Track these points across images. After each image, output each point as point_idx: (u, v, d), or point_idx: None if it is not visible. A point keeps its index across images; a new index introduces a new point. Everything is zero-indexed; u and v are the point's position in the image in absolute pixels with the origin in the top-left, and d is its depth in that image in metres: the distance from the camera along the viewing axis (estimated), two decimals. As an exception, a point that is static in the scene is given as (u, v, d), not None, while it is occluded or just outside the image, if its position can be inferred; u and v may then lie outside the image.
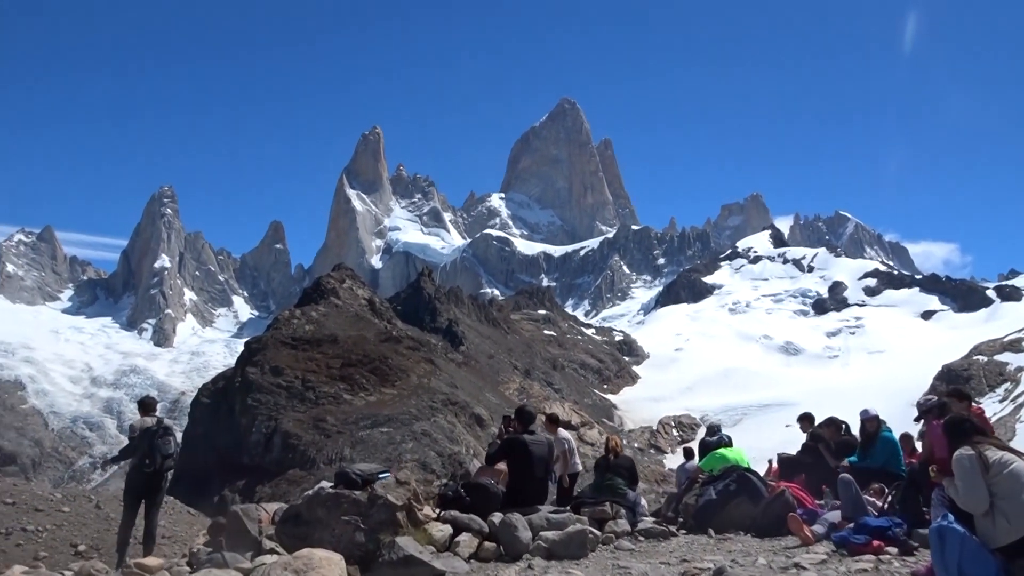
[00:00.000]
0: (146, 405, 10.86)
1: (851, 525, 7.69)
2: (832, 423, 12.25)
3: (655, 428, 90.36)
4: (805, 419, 13.78)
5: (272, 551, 7.16)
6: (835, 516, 8.27)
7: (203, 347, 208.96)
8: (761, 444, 79.65)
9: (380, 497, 7.13)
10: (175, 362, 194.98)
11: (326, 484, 8.26)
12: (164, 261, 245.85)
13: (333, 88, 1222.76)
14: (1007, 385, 68.08)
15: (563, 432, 11.68)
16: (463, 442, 44.64)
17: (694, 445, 16.18)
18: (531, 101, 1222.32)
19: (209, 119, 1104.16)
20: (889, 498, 8.60)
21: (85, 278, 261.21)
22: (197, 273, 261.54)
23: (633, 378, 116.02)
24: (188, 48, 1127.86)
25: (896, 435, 11.15)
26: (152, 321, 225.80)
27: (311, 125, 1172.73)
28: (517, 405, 10.38)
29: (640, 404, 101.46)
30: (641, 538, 8.71)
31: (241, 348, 55.73)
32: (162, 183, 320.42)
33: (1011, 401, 63.16)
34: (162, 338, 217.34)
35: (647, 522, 9.34)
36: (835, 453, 11.44)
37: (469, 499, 8.18)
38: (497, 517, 7.70)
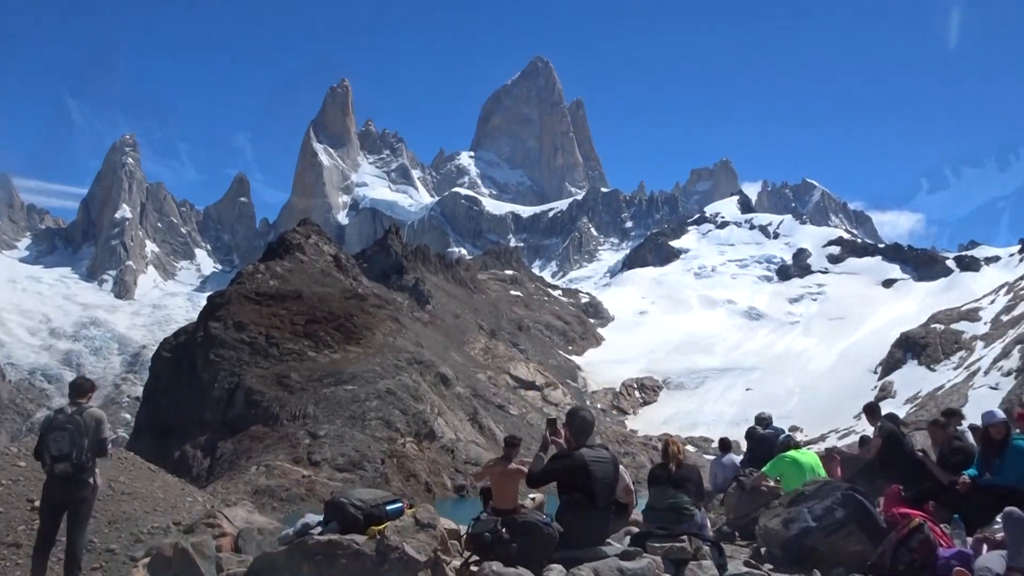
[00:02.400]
0: (74, 388, 8.35)
1: None
2: (941, 424, 9.73)
3: (618, 390, 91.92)
4: (870, 412, 11.04)
5: None
6: (995, 562, 6.01)
7: (165, 300, 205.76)
8: (722, 409, 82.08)
9: (395, 548, 5.38)
10: (136, 315, 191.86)
11: (312, 519, 6.16)
12: (125, 211, 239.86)
13: (301, 40, 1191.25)
14: (962, 353, 70.04)
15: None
16: (428, 401, 44.86)
17: (729, 430, 13.67)
18: (503, 59, 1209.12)
19: (174, 67, 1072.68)
20: None
21: (43, 227, 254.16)
22: (159, 225, 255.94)
23: (598, 340, 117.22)
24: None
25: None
26: (112, 273, 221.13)
27: (278, 77, 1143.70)
28: (570, 408, 8.10)
29: (604, 366, 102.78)
30: None
31: (204, 302, 55.05)
32: (124, 132, 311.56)
33: (964, 368, 65.15)
34: (123, 290, 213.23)
35: (738, 565, 6.91)
36: (943, 463, 8.99)
37: (516, 544, 6.12)
38: (555, 572, 5.77)
